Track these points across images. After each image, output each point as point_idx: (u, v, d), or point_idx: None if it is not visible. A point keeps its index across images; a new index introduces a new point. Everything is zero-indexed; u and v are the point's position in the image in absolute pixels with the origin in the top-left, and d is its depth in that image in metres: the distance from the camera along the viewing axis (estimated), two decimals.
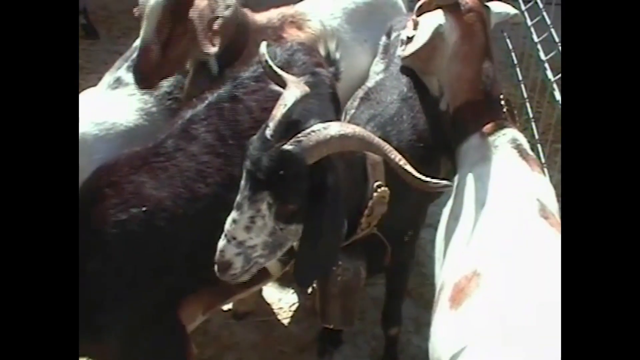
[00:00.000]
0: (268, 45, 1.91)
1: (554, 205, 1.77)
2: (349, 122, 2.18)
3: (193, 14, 2.23)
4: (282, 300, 2.90)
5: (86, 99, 2.45)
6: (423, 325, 2.61)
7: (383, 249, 1.98)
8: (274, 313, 2.82)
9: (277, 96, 1.99)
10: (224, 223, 1.66)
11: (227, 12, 2.38)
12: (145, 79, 2.28)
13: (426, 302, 2.73)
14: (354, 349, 2.68)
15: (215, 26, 2.26)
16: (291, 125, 1.60)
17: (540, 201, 1.72)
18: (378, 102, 2.18)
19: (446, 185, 1.65)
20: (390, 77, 2.31)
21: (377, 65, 2.48)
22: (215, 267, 1.63)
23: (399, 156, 1.61)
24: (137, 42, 2.31)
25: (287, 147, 1.54)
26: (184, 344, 1.96)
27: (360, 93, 2.31)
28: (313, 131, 1.56)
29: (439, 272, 1.87)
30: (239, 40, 2.44)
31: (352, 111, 2.22)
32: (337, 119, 2.16)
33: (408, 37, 2.11)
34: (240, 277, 1.65)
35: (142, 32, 2.28)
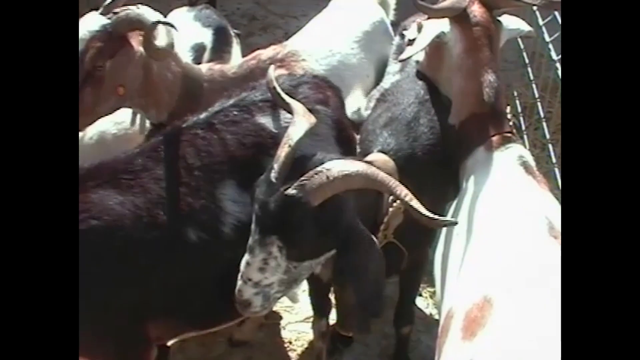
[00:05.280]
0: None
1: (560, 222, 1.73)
2: (365, 123, 2.18)
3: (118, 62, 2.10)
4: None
5: None
6: (433, 325, 2.60)
7: (400, 254, 1.98)
8: (281, 317, 2.81)
9: (259, 131, 1.97)
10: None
11: (169, 75, 2.27)
12: None
13: (437, 302, 2.72)
14: (364, 347, 2.68)
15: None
16: (296, 165, 1.62)
17: (549, 219, 1.68)
18: (395, 104, 2.16)
19: (453, 222, 1.69)
20: (407, 78, 2.29)
21: (392, 66, 2.47)
22: (236, 304, 1.68)
23: (405, 191, 1.60)
24: None
25: (291, 191, 1.56)
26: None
27: (376, 94, 2.30)
28: (316, 173, 1.56)
29: (440, 292, 1.84)
30: (190, 100, 2.30)
31: (368, 112, 2.21)
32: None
33: (410, 40, 2.10)
34: (262, 312, 1.72)
35: None
